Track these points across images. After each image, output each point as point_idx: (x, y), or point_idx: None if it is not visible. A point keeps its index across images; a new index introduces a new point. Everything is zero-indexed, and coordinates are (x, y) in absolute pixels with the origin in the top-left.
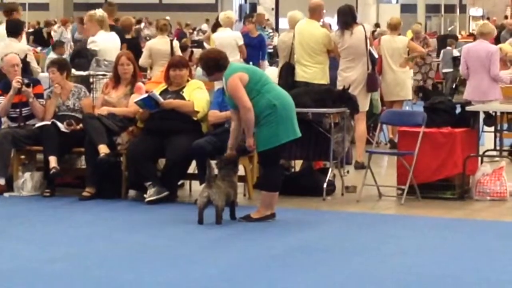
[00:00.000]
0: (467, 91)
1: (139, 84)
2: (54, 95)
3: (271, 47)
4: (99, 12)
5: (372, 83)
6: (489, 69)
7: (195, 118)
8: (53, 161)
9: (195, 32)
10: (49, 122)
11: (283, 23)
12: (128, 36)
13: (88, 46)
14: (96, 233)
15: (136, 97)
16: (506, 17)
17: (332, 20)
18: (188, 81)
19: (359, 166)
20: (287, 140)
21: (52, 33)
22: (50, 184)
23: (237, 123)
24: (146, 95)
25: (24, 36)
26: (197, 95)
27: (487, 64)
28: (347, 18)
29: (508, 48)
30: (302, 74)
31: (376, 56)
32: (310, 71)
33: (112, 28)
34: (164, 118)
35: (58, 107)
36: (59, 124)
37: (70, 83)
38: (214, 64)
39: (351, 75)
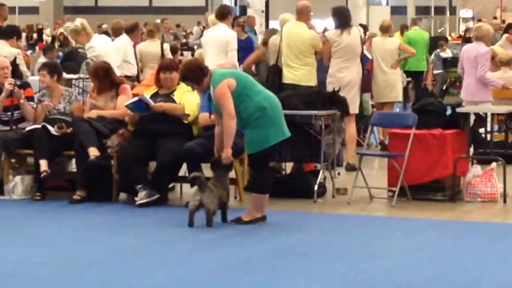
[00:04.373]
0: (461, 90)
1: (124, 85)
2: (45, 106)
3: None
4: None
5: (366, 84)
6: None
7: (185, 121)
8: (43, 164)
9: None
10: (39, 126)
11: (273, 25)
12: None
13: (88, 54)
14: (87, 236)
15: (124, 99)
16: (495, 18)
17: (322, 22)
18: (178, 84)
19: (351, 168)
20: (276, 141)
21: (44, 37)
22: (41, 187)
23: (221, 127)
24: (136, 98)
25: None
26: (187, 98)
27: (475, 65)
28: (347, 18)
29: (498, 50)
30: (290, 76)
31: (370, 57)
32: (298, 73)
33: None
34: (154, 121)
35: (49, 111)
36: (49, 127)
37: (61, 86)
38: (200, 71)
39: (346, 76)
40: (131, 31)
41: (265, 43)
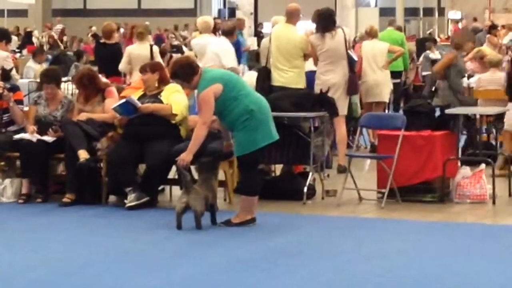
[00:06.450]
0: None
1: (110, 88)
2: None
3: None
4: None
5: (352, 86)
6: None
7: (173, 121)
8: (25, 185)
9: (175, 34)
10: (28, 137)
11: (263, 27)
12: (109, 42)
13: None
14: (76, 238)
15: (111, 102)
16: (475, 19)
17: (312, 24)
18: (166, 84)
19: (342, 170)
20: (264, 144)
21: (34, 39)
22: (43, 190)
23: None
24: (123, 100)
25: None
26: (175, 98)
27: None
28: (329, 22)
29: (487, 51)
30: (279, 78)
31: (356, 59)
32: (287, 76)
33: None
34: (142, 123)
35: (45, 116)
36: (45, 139)
37: (60, 93)
38: (190, 69)
39: (331, 78)
40: (230, 33)
41: (458, 46)
